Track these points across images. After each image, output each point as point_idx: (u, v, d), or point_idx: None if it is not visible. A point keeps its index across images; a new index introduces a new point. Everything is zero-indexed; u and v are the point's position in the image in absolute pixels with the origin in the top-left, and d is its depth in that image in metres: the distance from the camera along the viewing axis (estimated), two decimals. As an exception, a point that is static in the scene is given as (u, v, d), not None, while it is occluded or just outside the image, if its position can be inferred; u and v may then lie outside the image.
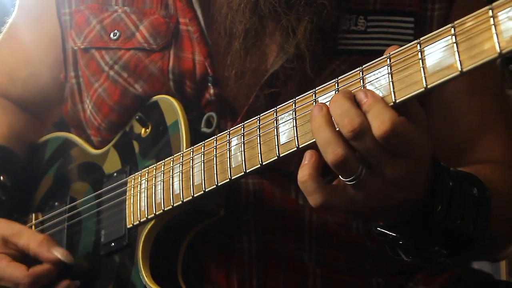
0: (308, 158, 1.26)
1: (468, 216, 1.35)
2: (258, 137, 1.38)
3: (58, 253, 1.63)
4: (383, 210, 1.29)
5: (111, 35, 1.70)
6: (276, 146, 1.35)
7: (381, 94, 1.22)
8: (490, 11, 1.10)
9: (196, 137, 1.57)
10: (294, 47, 1.49)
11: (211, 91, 1.60)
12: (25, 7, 1.96)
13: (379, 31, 1.57)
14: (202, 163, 1.47)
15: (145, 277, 1.53)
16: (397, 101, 1.20)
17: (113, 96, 1.69)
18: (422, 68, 1.17)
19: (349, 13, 1.56)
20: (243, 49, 1.53)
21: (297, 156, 1.33)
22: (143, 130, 1.68)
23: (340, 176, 1.24)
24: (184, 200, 1.49)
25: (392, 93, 1.20)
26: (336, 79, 1.29)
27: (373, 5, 1.58)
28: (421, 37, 1.55)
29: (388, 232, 1.34)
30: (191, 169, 1.49)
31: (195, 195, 1.47)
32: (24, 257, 1.67)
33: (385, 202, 1.26)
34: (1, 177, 1.83)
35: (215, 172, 1.44)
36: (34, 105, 2.00)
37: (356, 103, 1.22)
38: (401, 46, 1.53)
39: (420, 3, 1.59)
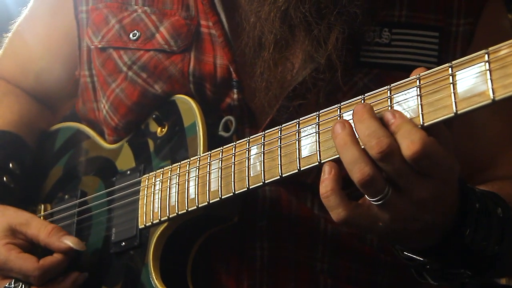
0: (327, 172, 1.24)
1: (494, 238, 1.33)
2: (279, 148, 1.37)
3: (70, 242, 1.61)
4: (410, 233, 1.26)
5: (131, 36, 1.67)
6: (297, 159, 1.33)
7: (408, 116, 1.20)
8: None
9: (213, 141, 1.56)
10: (325, 58, 1.47)
11: (235, 96, 1.59)
12: (41, 1, 1.94)
13: (404, 45, 1.55)
14: (220, 170, 1.46)
15: (155, 279, 1.52)
16: (425, 124, 1.18)
17: (132, 97, 1.67)
18: (453, 93, 1.15)
19: (373, 25, 1.54)
20: (272, 59, 1.50)
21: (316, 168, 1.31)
22: (159, 129, 1.66)
23: (366, 196, 1.23)
24: (199, 206, 1.48)
25: (421, 115, 1.19)
26: (363, 96, 1.28)
27: (398, 18, 1.56)
28: (445, 52, 1.56)
29: (416, 257, 1.32)
30: (208, 174, 1.48)
31: (210, 201, 1.46)
32: (33, 247, 1.66)
33: (412, 225, 1.24)
34: (10, 164, 1.81)
35: (232, 180, 1.43)
36: (46, 97, 1.98)
37: (383, 123, 1.20)
38: (425, 61, 1.54)
39: (445, 18, 1.57)
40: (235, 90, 1.58)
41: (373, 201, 1.21)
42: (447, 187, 1.23)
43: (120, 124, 1.72)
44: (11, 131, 1.87)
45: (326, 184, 1.24)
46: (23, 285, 1.62)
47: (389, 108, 1.23)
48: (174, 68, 1.62)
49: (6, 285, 1.63)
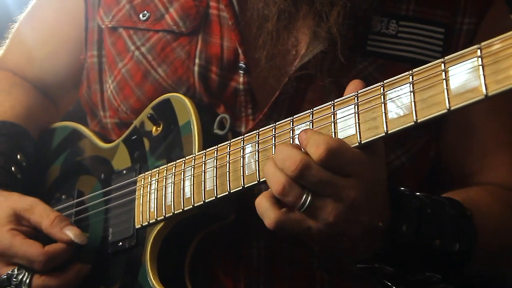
0: None
1: (448, 235, 1.36)
2: (273, 146, 1.36)
3: (71, 234, 1.60)
4: (352, 240, 1.29)
5: (140, 16, 1.70)
6: (292, 157, 1.33)
7: (402, 113, 1.20)
8: (519, 35, 1.08)
9: (208, 139, 1.55)
10: (326, 31, 1.49)
11: (241, 79, 1.60)
12: None
13: (410, 37, 1.58)
14: (215, 169, 1.45)
15: (152, 279, 1.52)
16: (418, 121, 1.18)
17: (135, 78, 1.68)
18: (446, 90, 1.15)
19: (381, 15, 1.57)
20: (275, 30, 1.54)
21: None
22: (154, 128, 1.66)
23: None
24: (195, 205, 1.48)
25: (414, 112, 1.18)
26: (356, 93, 1.27)
27: (406, 11, 1.59)
28: (449, 49, 1.56)
29: (369, 266, 1.34)
30: (203, 173, 1.47)
31: (206, 201, 1.46)
32: (37, 233, 1.64)
33: (351, 229, 1.27)
34: (18, 156, 1.81)
35: (227, 179, 1.42)
36: (50, 88, 1.98)
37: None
38: (430, 55, 1.57)
39: (451, 15, 1.60)
40: (241, 73, 1.60)
41: (297, 209, 1.26)
42: (373, 185, 1.27)
43: (121, 106, 1.72)
44: (19, 124, 1.86)
45: (262, 193, 1.31)
46: (26, 273, 1.60)
47: (382, 104, 1.23)
48: (181, 50, 1.64)
49: (9, 272, 1.61)
